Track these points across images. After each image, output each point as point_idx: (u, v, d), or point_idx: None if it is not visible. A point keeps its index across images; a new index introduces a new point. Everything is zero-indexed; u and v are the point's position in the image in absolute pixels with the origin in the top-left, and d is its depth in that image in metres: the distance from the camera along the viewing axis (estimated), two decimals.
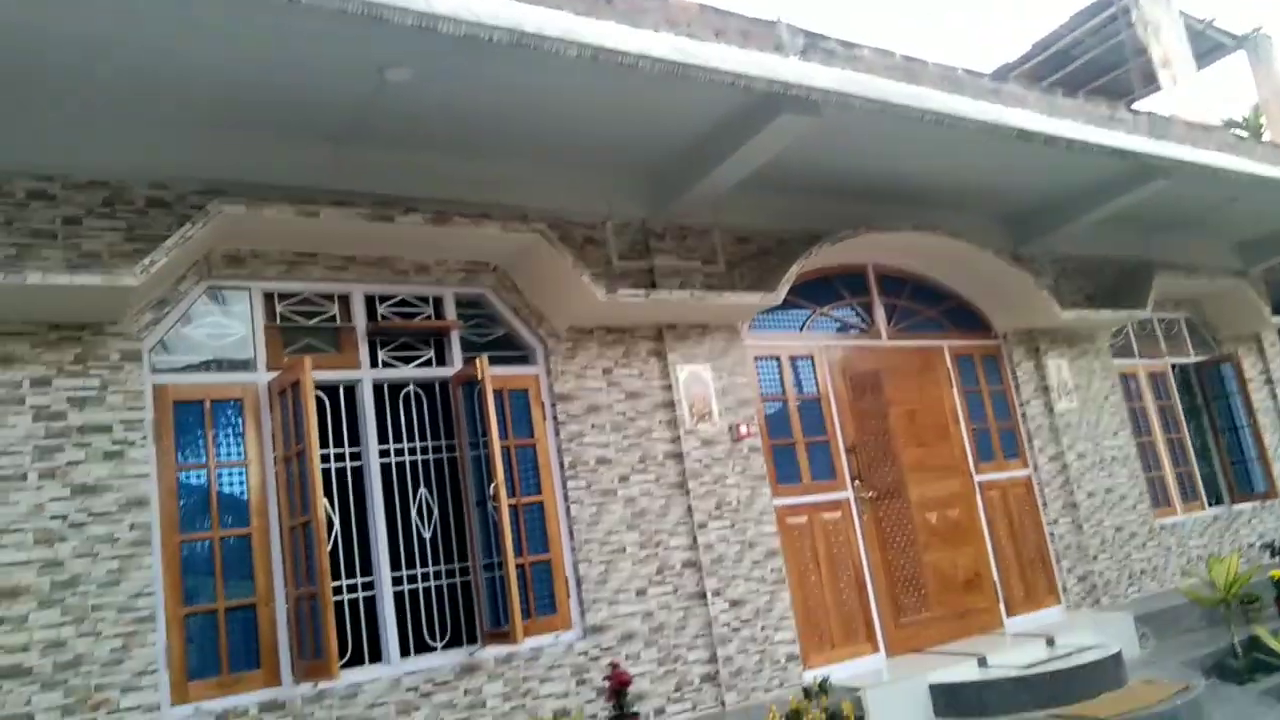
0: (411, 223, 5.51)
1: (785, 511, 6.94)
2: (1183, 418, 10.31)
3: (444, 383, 5.93)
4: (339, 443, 5.57)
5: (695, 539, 6.36)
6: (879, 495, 7.48)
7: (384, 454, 5.67)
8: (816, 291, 7.72)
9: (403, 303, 5.96)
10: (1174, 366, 10.46)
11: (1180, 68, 12.43)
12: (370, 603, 5.44)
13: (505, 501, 5.46)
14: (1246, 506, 10.25)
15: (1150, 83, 13.65)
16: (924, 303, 8.46)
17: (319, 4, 4.05)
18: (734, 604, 6.37)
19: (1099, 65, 14.05)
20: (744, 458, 6.74)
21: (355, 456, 5.61)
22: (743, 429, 6.73)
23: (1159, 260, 9.90)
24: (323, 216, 5.26)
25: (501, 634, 5.38)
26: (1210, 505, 10.09)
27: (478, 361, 5.64)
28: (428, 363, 5.94)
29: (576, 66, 4.91)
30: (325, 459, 5.33)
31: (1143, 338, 10.25)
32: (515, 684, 5.49)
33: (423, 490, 5.77)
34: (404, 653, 5.40)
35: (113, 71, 4.69)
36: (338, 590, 5.22)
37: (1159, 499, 9.54)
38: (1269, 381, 11.04)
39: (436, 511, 5.78)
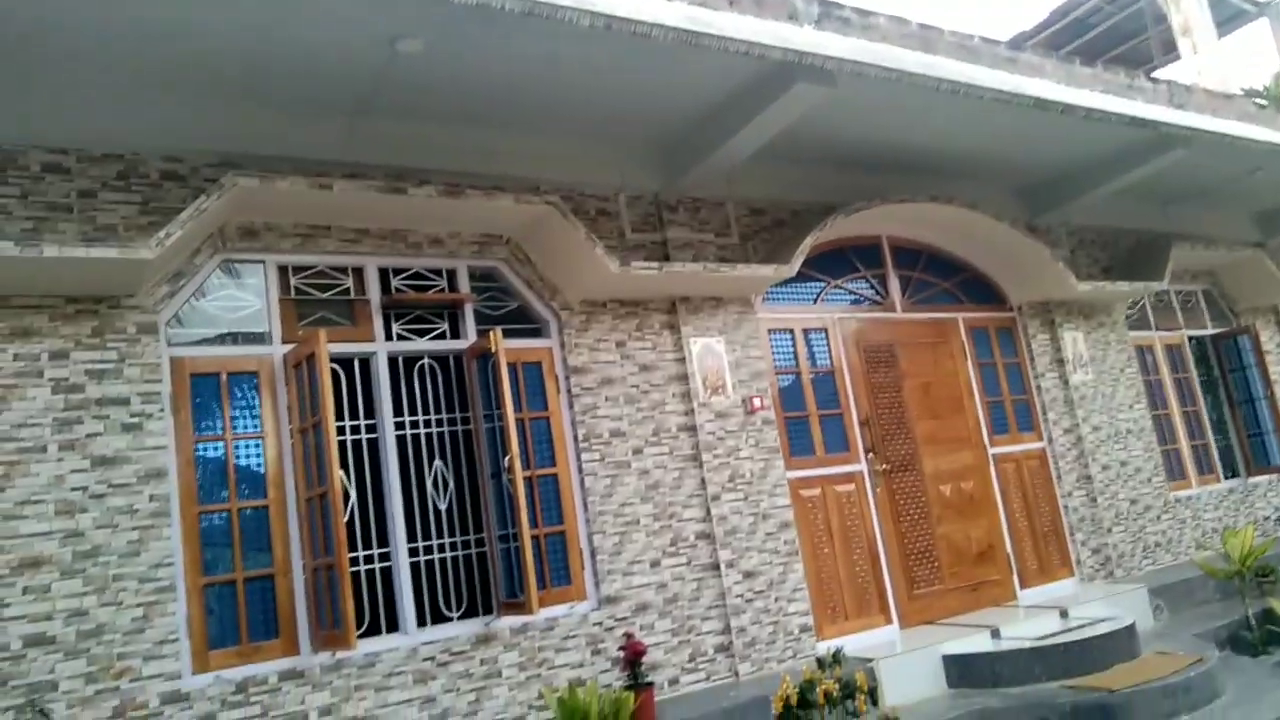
0: (424, 195, 5.51)
1: (799, 484, 6.95)
2: (1199, 390, 10.24)
3: (458, 355, 5.94)
4: (354, 415, 5.59)
5: (709, 511, 6.38)
6: (893, 468, 7.48)
7: (399, 426, 5.70)
8: (830, 264, 7.68)
9: (416, 275, 5.96)
10: (1190, 338, 10.37)
11: (1200, 35, 12.27)
12: (387, 573, 5.49)
13: (520, 474, 5.48)
14: (1263, 479, 10.21)
15: (1170, 51, 13.47)
16: (939, 275, 8.40)
17: None
18: (747, 575, 6.40)
19: (1118, 33, 13.88)
20: (757, 430, 6.74)
21: (371, 429, 5.64)
22: (756, 402, 6.73)
23: (1176, 231, 9.80)
24: (336, 189, 5.26)
25: (517, 604, 5.42)
26: (1226, 478, 10.04)
27: (492, 334, 5.64)
28: (442, 335, 5.95)
29: (589, 36, 4.87)
30: (341, 431, 5.36)
31: (1159, 310, 10.16)
32: (530, 654, 5.54)
33: (438, 462, 5.80)
34: (420, 623, 5.46)
35: (126, 45, 4.68)
36: (354, 561, 5.27)
37: (1174, 472, 9.50)
38: None
39: (452, 483, 5.81)
